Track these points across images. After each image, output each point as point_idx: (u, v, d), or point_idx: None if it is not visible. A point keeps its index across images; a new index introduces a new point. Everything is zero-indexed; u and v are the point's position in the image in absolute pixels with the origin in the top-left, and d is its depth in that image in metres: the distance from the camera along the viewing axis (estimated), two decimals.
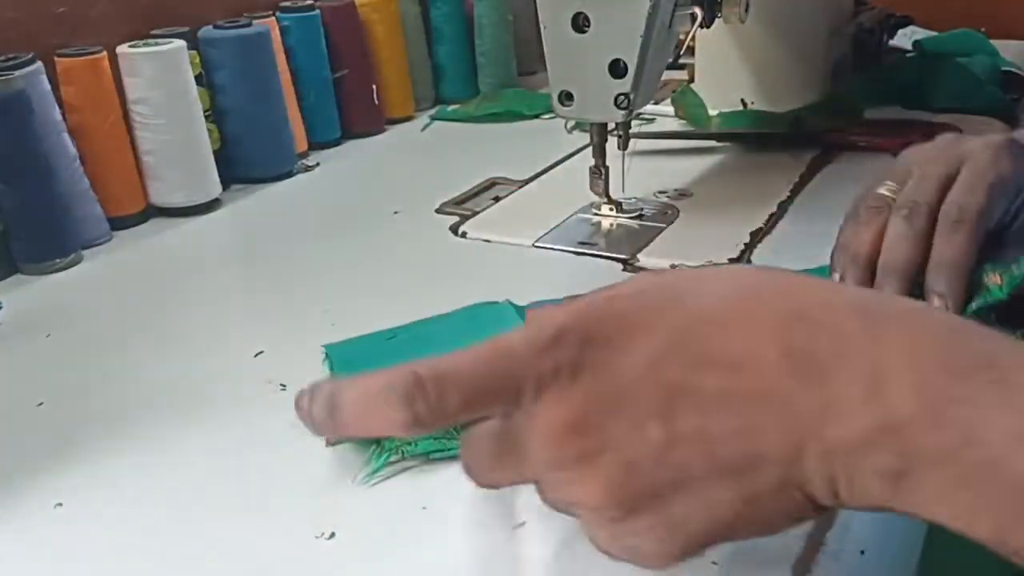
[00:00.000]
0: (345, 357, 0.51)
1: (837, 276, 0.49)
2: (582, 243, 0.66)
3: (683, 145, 0.84)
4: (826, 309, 0.31)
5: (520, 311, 0.52)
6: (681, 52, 0.73)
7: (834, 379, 0.29)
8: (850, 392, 0.29)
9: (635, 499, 0.31)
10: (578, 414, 0.31)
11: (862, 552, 0.37)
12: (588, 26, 0.61)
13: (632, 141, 0.67)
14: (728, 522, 0.31)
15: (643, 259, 0.63)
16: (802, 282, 0.33)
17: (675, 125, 0.90)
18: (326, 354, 0.52)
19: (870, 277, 0.48)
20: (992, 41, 0.96)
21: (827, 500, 0.30)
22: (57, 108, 0.70)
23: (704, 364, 0.31)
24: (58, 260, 0.68)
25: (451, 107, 1.02)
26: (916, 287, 0.47)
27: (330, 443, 0.44)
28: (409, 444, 0.43)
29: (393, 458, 0.42)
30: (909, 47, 0.97)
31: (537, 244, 0.66)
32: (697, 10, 0.67)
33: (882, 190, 0.50)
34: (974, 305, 0.46)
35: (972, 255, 0.46)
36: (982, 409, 0.28)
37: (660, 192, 0.73)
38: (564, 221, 0.69)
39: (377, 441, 0.43)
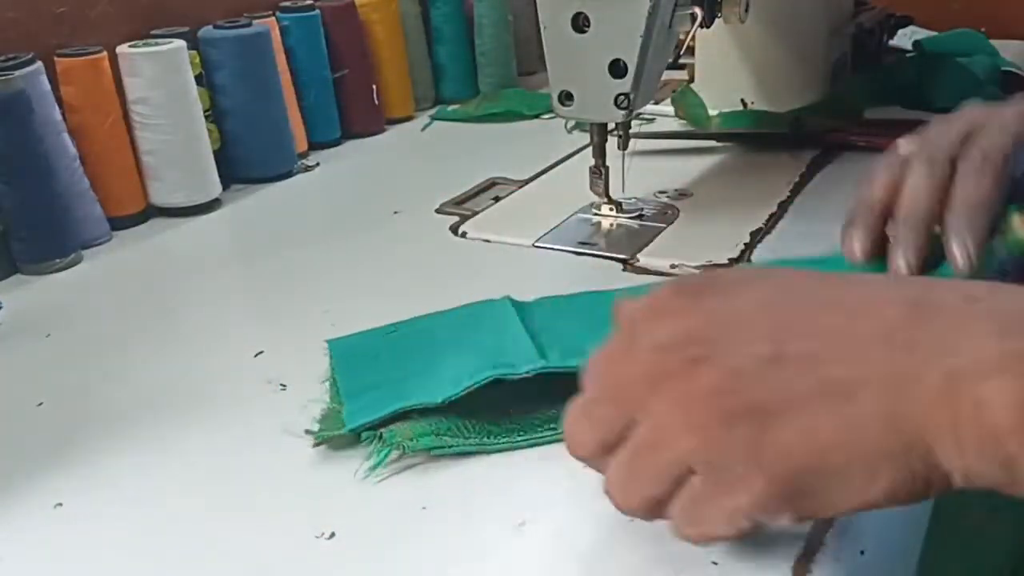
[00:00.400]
0: (346, 352, 0.51)
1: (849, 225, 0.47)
2: (582, 243, 0.66)
3: (683, 145, 0.84)
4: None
5: (518, 306, 0.52)
6: (681, 52, 0.73)
7: (960, 320, 0.29)
8: (979, 328, 0.29)
9: (735, 409, 0.30)
10: (693, 326, 0.33)
11: (862, 552, 0.37)
12: (588, 26, 0.61)
13: (632, 141, 0.67)
14: (826, 448, 0.29)
15: (643, 259, 0.63)
16: None
17: (675, 125, 0.90)
18: (328, 349, 0.52)
19: (882, 223, 0.45)
20: (992, 41, 0.96)
21: (942, 441, 0.28)
22: (57, 108, 0.70)
23: (818, 306, 0.32)
24: (58, 260, 0.68)
25: (451, 107, 1.02)
26: (933, 240, 0.43)
27: (316, 444, 0.44)
28: (411, 440, 0.43)
29: (394, 454, 0.42)
30: (909, 47, 0.97)
31: (537, 244, 0.66)
32: (697, 10, 0.67)
33: (902, 150, 0.47)
34: (996, 248, 0.42)
35: (996, 197, 0.43)
36: None
37: (660, 192, 0.73)
38: (564, 221, 0.69)
39: (379, 436, 0.43)
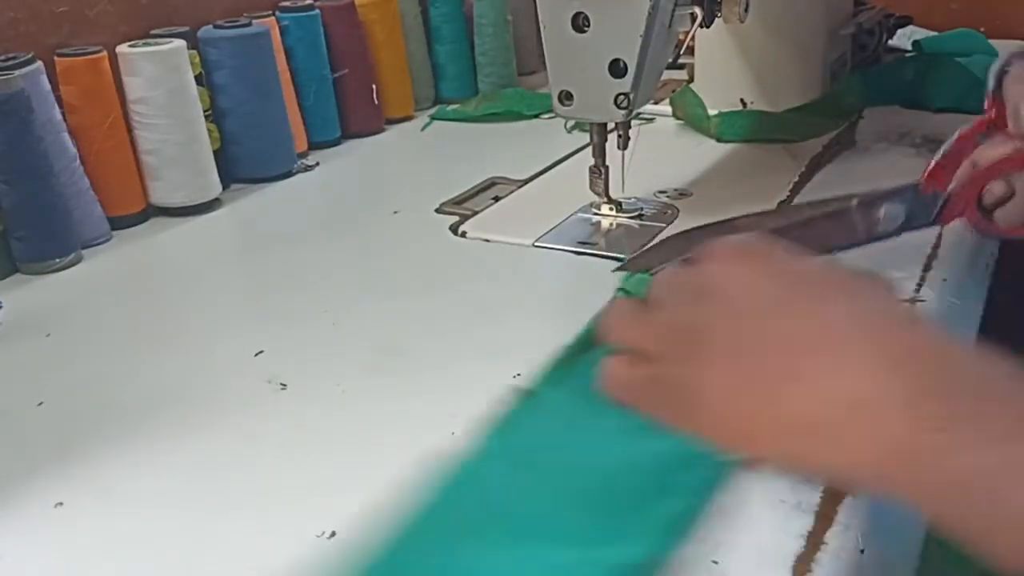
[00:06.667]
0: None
1: None
2: (582, 243, 0.66)
3: (683, 145, 0.84)
4: None
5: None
6: (681, 52, 0.73)
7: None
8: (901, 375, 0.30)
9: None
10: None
11: (862, 552, 0.37)
12: (588, 26, 0.61)
13: (632, 141, 0.67)
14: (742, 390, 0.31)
15: None
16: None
17: (675, 125, 0.90)
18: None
19: None
20: (992, 41, 0.97)
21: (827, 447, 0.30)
22: (57, 108, 0.70)
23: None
24: (58, 260, 0.68)
25: (451, 107, 1.02)
26: None
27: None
28: None
29: None
30: (909, 47, 0.97)
31: (537, 244, 0.66)
32: (697, 10, 0.67)
33: None
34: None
35: None
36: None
37: (660, 192, 0.73)
38: (564, 221, 0.69)
39: None
